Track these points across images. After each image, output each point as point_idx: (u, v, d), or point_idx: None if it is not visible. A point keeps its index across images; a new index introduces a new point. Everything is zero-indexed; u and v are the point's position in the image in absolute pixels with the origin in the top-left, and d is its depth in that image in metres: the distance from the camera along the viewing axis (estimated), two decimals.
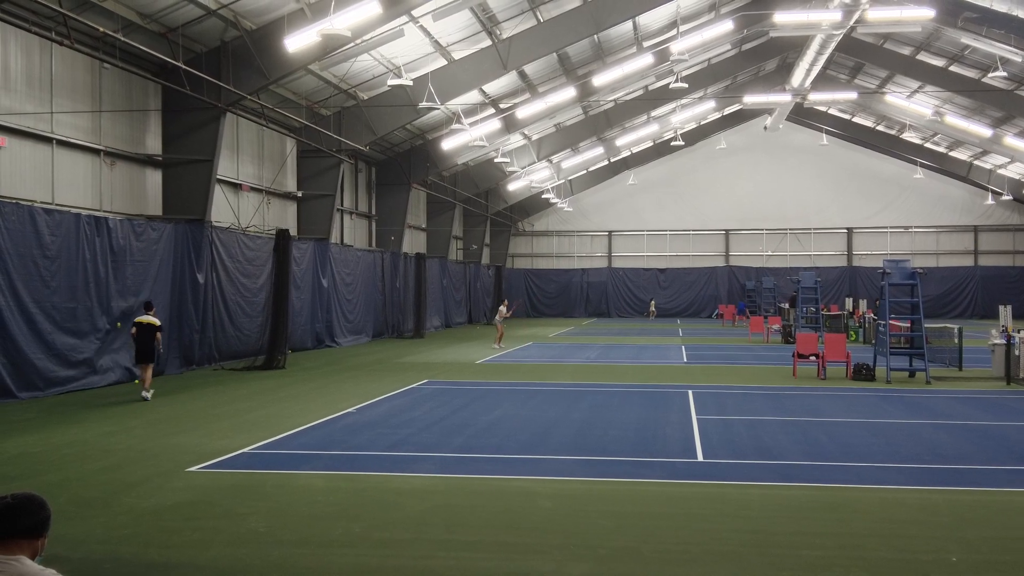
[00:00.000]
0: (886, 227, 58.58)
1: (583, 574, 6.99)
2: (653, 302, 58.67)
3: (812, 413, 15.72)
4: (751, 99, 43.91)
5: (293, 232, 30.21)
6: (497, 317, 33.01)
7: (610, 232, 61.21)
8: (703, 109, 49.83)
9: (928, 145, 54.32)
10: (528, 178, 50.32)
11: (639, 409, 15.98)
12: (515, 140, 43.83)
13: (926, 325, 21.95)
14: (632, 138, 50.89)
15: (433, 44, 28.82)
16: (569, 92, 35.94)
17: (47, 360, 17.53)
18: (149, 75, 21.69)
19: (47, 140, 19.53)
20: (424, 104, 28.52)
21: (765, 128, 53.88)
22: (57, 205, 19.43)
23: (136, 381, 19.49)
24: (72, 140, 20.32)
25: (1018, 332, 20.97)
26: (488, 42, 29.90)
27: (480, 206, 52.09)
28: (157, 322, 17.49)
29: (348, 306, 33.68)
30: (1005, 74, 34.09)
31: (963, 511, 8.95)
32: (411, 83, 27.20)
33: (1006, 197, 54.35)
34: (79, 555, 7.37)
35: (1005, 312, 22.65)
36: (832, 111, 55.26)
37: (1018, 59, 33.34)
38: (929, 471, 10.94)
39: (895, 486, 9.96)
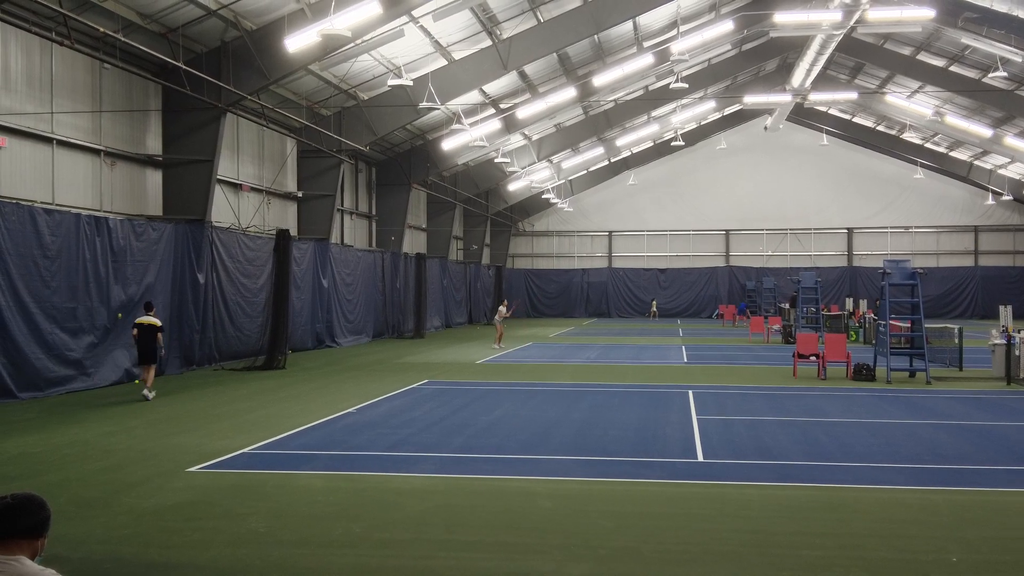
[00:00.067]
0: (886, 227, 58.58)
1: (583, 574, 6.99)
2: (655, 302, 58.56)
3: (812, 413, 15.72)
4: (751, 99, 43.91)
5: (293, 232, 30.21)
6: (497, 317, 33.01)
7: (610, 232, 61.21)
8: (703, 109, 49.84)
9: (928, 145, 54.32)
10: (528, 178, 50.32)
11: (639, 409, 15.98)
12: (515, 140, 43.83)
13: (926, 325, 21.95)
14: (632, 138, 50.89)
15: (433, 44, 28.83)
16: (569, 92, 35.94)
17: (47, 360, 17.53)
18: (149, 75, 21.70)
19: (47, 140, 19.54)
20: (424, 104, 28.52)
21: (765, 128, 53.88)
22: (57, 205, 19.44)
23: (136, 381, 19.51)
24: (72, 140, 20.32)
25: (1018, 332, 20.96)
26: (488, 42, 29.91)
27: (480, 206, 52.09)
28: (158, 323, 17.52)
29: (348, 306, 33.68)
30: (1005, 74, 34.09)
31: (963, 511, 8.95)
32: (411, 83, 27.21)
33: (1006, 197, 54.34)
34: (79, 555, 7.37)
35: (1005, 312, 22.64)
36: (832, 111, 55.26)
37: (1018, 59, 33.33)
38: (929, 471, 10.94)
39: (895, 486, 9.96)
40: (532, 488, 9.82)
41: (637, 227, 60.68)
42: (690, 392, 18.44)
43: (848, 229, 59.07)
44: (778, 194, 58.76)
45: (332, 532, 8.05)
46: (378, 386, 19.40)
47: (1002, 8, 30.28)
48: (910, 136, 53.31)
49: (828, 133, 55.88)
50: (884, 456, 11.69)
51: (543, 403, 16.83)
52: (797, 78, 39.04)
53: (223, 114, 23.43)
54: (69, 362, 18.15)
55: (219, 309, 24.11)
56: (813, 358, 22.26)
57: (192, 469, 10.70)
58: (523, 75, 34.65)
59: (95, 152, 21.22)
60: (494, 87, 34.53)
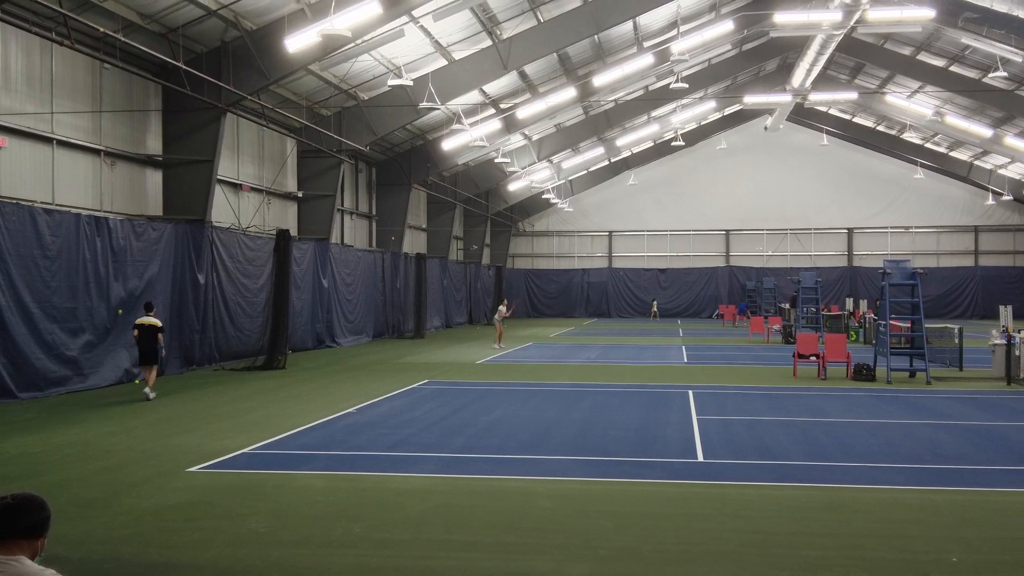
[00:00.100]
0: (886, 227, 58.58)
1: (583, 574, 6.99)
2: (656, 303, 58.47)
3: (812, 413, 15.72)
4: (751, 99, 43.91)
5: (293, 232, 30.22)
6: (496, 316, 33.02)
7: (610, 232, 61.21)
8: (703, 109, 49.84)
9: (928, 145, 54.32)
10: (528, 178, 50.32)
11: (639, 409, 15.98)
12: (515, 140, 43.83)
13: (926, 325, 21.95)
14: (632, 138, 50.89)
15: (433, 44, 28.83)
16: (569, 92, 35.94)
17: (47, 360, 17.53)
18: (149, 75, 21.70)
19: (47, 140, 19.54)
20: (424, 104, 28.53)
21: (765, 128, 53.88)
22: (57, 205, 19.44)
23: (136, 381, 19.53)
24: (72, 140, 20.32)
25: (1018, 332, 20.96)
26: (488, 42, 29.91)
27: (480, 206, 52.09)
28: (158, 323, 17.53)
29: (348, 306, 33.69)
30: (1005, 74, 34.09)
31: (963, 511, 8.95)
32: (411, 83, 27.22)
33: (1006, 197, 54.34)
34: (79, 555, 7.37)
35: (1005, 312, 22.63)
36: (832, 111, 55.26)
37: (1018, 59, 33.32)
38: (929, 471, 10.94)
39: (895, 486, 9.96)
40: (532, 488, 9.82)
41: (637, 227, 60.68)
42: (690, 392, 18.44)
43: (848, 229, 59.07)
44: (778, 194, 58.76)
45: (332, 532, 8.05)
46: (378, 386, 19.40)
47: (1002, 8, 30.29)
48: (910, 136, 53.31)
49: (828, 133, 55.88)
50: (884, 456, 11.69)
51: (543, 403, 16.83)
52: (797, 78, 39.04)
53: (223, 114, 23.43)
54: (69, 362, 18.15)
55: (219, 309, 24.12)
56: (813, 358, 22.26)
57: (192, 469, 10.70)
58: (523, 75, 34.65)
59: (95, 152, 21.22)
60: (494, 87, 34.53)
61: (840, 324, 37.35)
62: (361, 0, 21.10)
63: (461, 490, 9.79)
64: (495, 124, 36.90)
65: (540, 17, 29.76)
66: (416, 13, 25.23)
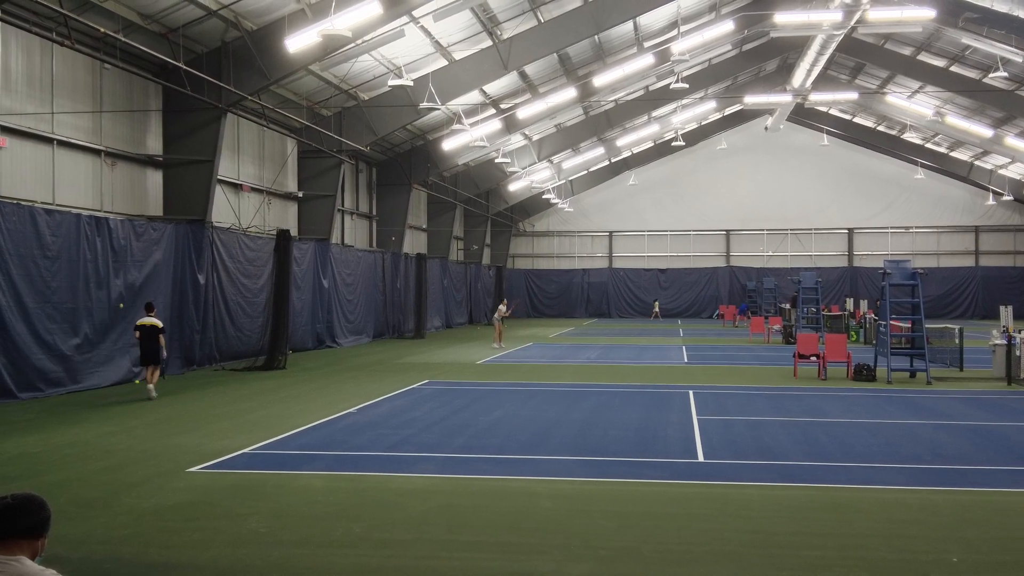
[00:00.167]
0: (887, 227, 58.58)
1: (584, 574, 6.99)
2: (657, 303, 58.40)
3: (813, 413, 15.71)
4: (752, 99, 43.90)
5: (294, 232, 30.23)
6: (496, 316, 33.01)
7: (611, 232, 61.21)
8: (704, 109, 49.83)
9: (929, 145, 54.31)
10: (529, 178, 50.32)
11: (640, 409, 15.98)
12: (516, 140, 43.83)
13: (927, 325, 21.94)
14: (633, 138, 50.89)
15: (434, 44, 28.83)
16: (570, 92, 35.94)
17: (47, 360, 17.53)
18: (150, 75, 21.70)
19: (48, 140, 19.54)
20: (425, 104, 28.52)
21: (766, 128, 53.86)
22: (58, 205, 19.44)
23: (136, 381, 19.54)
24: (73, 140, 20.33)
25: (1019, 332, 20.95)
26: (489, 42, 29.91)
27: (481, 206, 52.09)
28: (159, 323, 17.55)
29: (349, 306, 33.69)
30: (1006, 74, 34.09)
31: (964, 511, 8.94)
32: (412, 83, 27.22)
33: (1007, 197, 54.34)
34: (79, 555, 7.37)
35: (1006, 312, 22.62)
36: (833, 111, 55.26)
37: (1019, 59, 33.32)
38: (930, 471, 10.94)
39: (896, 486, 9.96)
40: (533, 488, 9.82)
41: (638, 227, 60.68)
42: (691, 392, 18.44)
43: (849, 229, 59.07)
44: (779, 194, 58.77)
45: (333, 532, 8.05)
46: (379, 386, 19.40)
47: (1002, 8, 30.30)
48: (910, 136, 53.30)
49: (829, 133, 55.88)
50: (884, 456, 11.69)
51: (544, 403, 16.83)
52: (797, 78, 39.04)
53: (223, 114, 23.43)
54: (69, 362, 18.15)
55: (220, 309, 24.12)
56: (814, 358, 22.25)
57: (192, 469, 10.70)
58: (523, 75, 34.65)
59: (95, 152, 21.22)
60: (494, 87, 34.53)
61: (840, 324, 37.34)
62: (361, 0, 21.10)
63: (462, 490, 9.78)
64: (495, 124, 36.90)
65: (540, 17, 29.76)
66: (416, 13, 25.23)
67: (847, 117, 55.18)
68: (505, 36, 29.96)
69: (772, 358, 27.64)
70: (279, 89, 27.53)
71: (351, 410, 15.79)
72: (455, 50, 30.01)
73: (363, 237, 39.03)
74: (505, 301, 37.81)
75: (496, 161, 43.75)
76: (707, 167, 59.04)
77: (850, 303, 44.90)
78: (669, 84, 37.61)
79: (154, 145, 23.47)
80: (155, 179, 23.67)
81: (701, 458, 11.59)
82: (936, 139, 53.05)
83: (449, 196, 46.34)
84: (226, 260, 24.53)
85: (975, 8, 31.22)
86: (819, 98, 45.34)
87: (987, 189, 55.29)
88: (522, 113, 36.96)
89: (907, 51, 39.61)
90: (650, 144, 55.87)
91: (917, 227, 58.32)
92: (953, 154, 54.42)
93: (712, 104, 48.74)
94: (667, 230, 60.51)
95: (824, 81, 44.34)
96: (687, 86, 36.54)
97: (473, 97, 33.17)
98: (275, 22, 22.98)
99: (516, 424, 14.27)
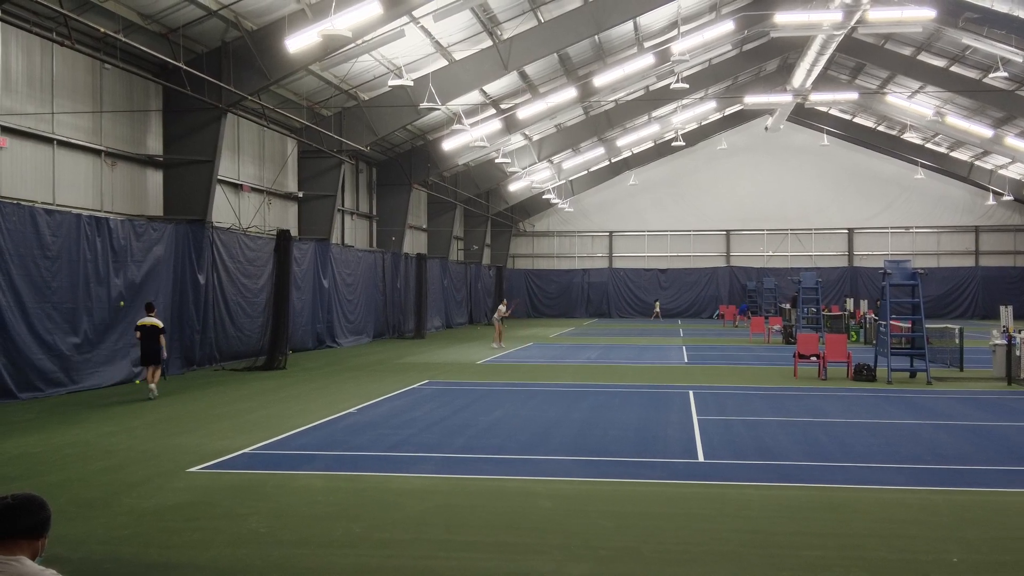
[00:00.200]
0: (887, 227, 58.57)
1: (583, 574, 6.99)
2: (658, 303, 58.38)
3: (813, 414, 15.72)
4: (752, 99, 43.90)
5: (294, 233, 30.23)
6: (496, 316, 33.01)
7: (611, 232, 61.21)
8: (704, 109, 49.83)
9: (929, 145, 54.31)
10: (529, 178, 50.32)
11: (640, 409, 15.98)
12: (516, 140, 43.84)
13: (927, 326, 21.95)
14: (633, 138, 50.89)
15: (434, 44, 28.84)
16: (570, 92, 35.95)
17: (48, 360, 17.54)
18: (150, 76, 21.70)
19: (48, 141, 19.55)
20: (425, 105, 28.53)
21: (766, 128, 53.86)
22: (58, 206, 19.44)
23: (137, 382, 19.55)
24: (73, 141, 20.33)
25: (1019, 333, 20.95)
26: (489, 42, 29.92)
27: (481, 206, 52.10)
28: (160, 324, 17.56)
29: (349, 307, 33.69)
30: (1006, 74, 34.09)
31: (963, 511, 8.95)
32: (412, 84, 27.22)
33: (1007, 197, 54.34)
34: (80, 555, 7.38)
35: (1006, 312, 22.62)
36: (833, 111, 55.26)
37: (1019, 59, 33.32)
38: (929, 471, 10.94)
39: (895, 486, 9.96)
40: (532, 488, 9.82)
41: (638, 227, 60.68)
42: (690, 392, 18.44)
43: (849, 229, 59.07)
44: (779, 194, 58.77)
45: (332, 532, 8.05)
46: (379, 386, 19.41)
47: (1003, 8, 30.29)
48: (911, 136, 53.30)
49: (829, 133, 55.88)
50: (884, 456, 11.69)
51: (543, 403, 16.83)
52: (798, 78, 39.04)
53: (224, 114, 23.44)
54: (69, 362, 18.16)
55: (220, 309, 24.13)
56: (814, 358, 22.26)
57: (193, 469, 10.71)
58: (524, 75, 34.65)
59: (96, 152, 21.23)
60: (495, 87, 34.54)
61: (841, 324, 37.34)
62: (362, 0, 21.10)
63: (461, 490, 9.79)
64: (495, 124, 36.91)
65: (540, 17, 29.77)
66: (416, 13, 25.24)
67: (847, 117, 55.17)
68: (505, 36, 29.96)
69: (772, 358, 27.64)
70: (279, 89, 27.54)
71: (351, 410, 15.79)
72: (455, 50, 30.02)
73: (363, 237, 39.04)
74: (505, 301, 37.81)
75: (496, 161, 43.75)
76: (707, 167, 59.05)
77: (850, 303, 44.91)
78: (669, 84, 37.61)
79: (154, 145, 23.47)
80: (155, 179, 23.67)
81: (701, 458, 11.59)
82: (936, 139, 53.05)
83: (449, 196, 46.34)
84: (226, 260, 24.54)
85: (975, 8, 31.22)
86: (819, 98, 45.34)
87: (987, 189, 55.29)
88: (522, 113, 36.97)
89: (907, 51, 39.61)
90: (650, 144, 55.88)
91: (917, 227, 58.32)
92: (953, 154, 54.42)
93: (712, 104, 48.74)
94: (667, 230, 60.51)
95: (824, 81, 44.35)
96: (687, 86, 36.53)
97: (473, 97, 33.17)
98: (275, 22, 22.98)
99: (516, 424, 14.27)
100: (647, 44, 35.22)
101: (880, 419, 15.07)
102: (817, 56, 34.88)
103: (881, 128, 54.72)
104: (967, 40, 34.44)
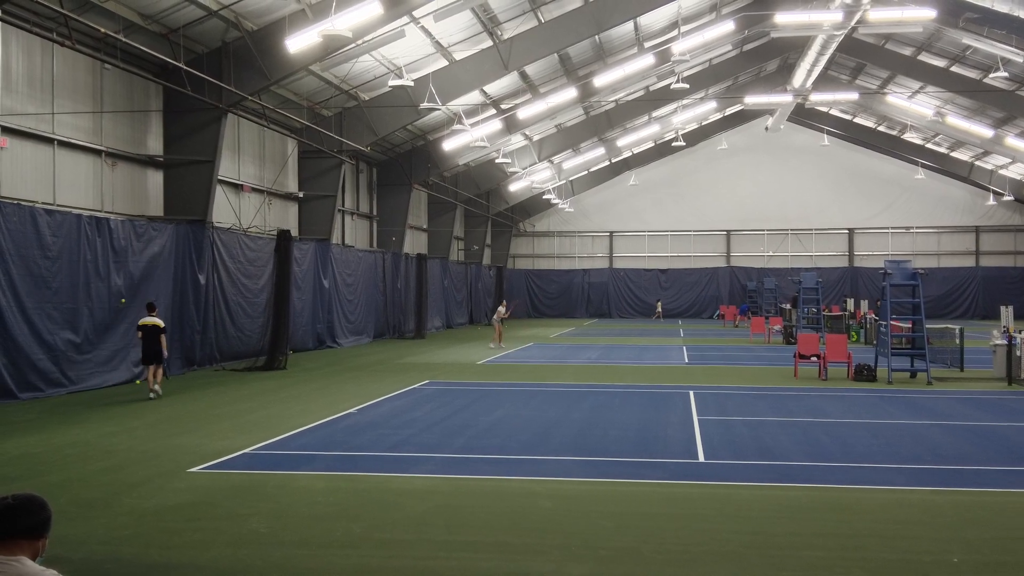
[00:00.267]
0: (887, 228, 58.57)
1: (583, 574, 6.99)
2: (660, 303, 58.37)
3: (813, 414, 15.71)
4: (752, 100, 43.89)
5: (294, 233, 30.23)
6: (495, 316, 33.00)
7: (611, 233, 61.21)
8: (704, 110, 49.83)
9: (929, 146, 54.31)
10: (529, 179, 50.32)
11: (640, 410, 15.98)
12: (516, 141, 43.84)
13: (927, 326, 21.95)
14: (633, 139, 50.89)
15: (434, 45, 28.84)
16: (570, 93, 35.95)
17: (48, 360, 17.54)
18: (150, 76, 21.70)
19: (48, 141, 19.55)
20: (425, 105, 28.53)
21: (766, 129, 53.85)
22: (58, 206, 19.44)
23: (137, 382, 19.55)
24: (73, 141, 20.33)
25: (1019, 333, 20.95)
26: (489, 43, 29.92)
27: (481, 207, 52.10)
28: (161, 323, 17.57)
29: (349, 307, 33.70)
30: (1006, 74, 34.09)
31: (964, 512, 8.94)
32: (412, 84, 27.22)
33: (1007, 198, 54.34)
34: (80, 556, 7.38)
35: (1006, 313, 22.63)
36: (833, 112, 55.26)
37: (1019, 59, 33.32)
38: (930, 472, 10.93)
39: (896, 487, 9.96)
40: (533, 488, 9.82)
41: (638, 227, 60.68)
42: (691, 393, 18.44)
43: (849, 229, 59.07)
44: (779, 194, 58.77)
45: (333, 532, 8.05)
46: (379, 387, 19.41)
47: (1003, 8, 30.29)
48: (911, 136, 53.31)
49: (829, 133, 55.89)
50: (885, 457, 11.69)
51: (544, 404, 16.83)
52: (798, 78, 39.03)
53: (224, 115, 23.44)
54: (70, 362, 18.16)
55: (220, 309, 24.13)
56: (814, 359, 22.25)
57: (193, 470, 10.70)
58: (524, 75, 34.65)
59: (96, 153, 21.23)
60: (495, 87, 34.54)
61: (841, 324, 37.33)
62: (362, 0, 21.10)
63: (462, 490, 9.79)
64: (496, 124, 36.91)
65: (541, 17, 29.77)
66: (417, 13, 25.24)
67: (847, 117, 55.17)
68: (505, 36, 29.96)
69: (772, 358, 27.64)
70: (279, 89, 27.54)
71: (351, 410, 15.79)
72: (455, 50, 30.02)
73: (363, 237, 39.04)
74: (504, 302, 37.81)
75: (496, 161, 43.75)
76: (707, 167, 59.04)
77: (850, 303, 44.92)
78: (669, 84, 37.60)
79: (155, 145, 23.47)
80: (156, 179, 23.67)
81: (701, 458, 11.59)
82: (936, 139, 53.04)
83: (449, 196, 46.34)
84: (227, 260, 24.54)
85: (975, 8, 31.21)
86: (819, 98, 45.34)
87: (987, 189, 55.29)
88: (522, 113, 36.97)
89: (907, 51, 39.61)
90: (650, 144, 55.87)
91: (917, 227, 58.31)
92: (953, 154, 54.41)
93: (712, 104, 48.74)
94: (667, 230, 60.51)
95: (824, 81, 44.34)
96: (687, 86, 36.51)
97: (473, 97, 33.17)
98: (275, 22, 22.98)
99: (516, 424, 14.27)
100: (647, 44, 35.22)
101: (880, 419, 15.06)
102: (817, 56, 34.87)
103: (881, 128, 54.72)
104: (967, 40, 34.45)
